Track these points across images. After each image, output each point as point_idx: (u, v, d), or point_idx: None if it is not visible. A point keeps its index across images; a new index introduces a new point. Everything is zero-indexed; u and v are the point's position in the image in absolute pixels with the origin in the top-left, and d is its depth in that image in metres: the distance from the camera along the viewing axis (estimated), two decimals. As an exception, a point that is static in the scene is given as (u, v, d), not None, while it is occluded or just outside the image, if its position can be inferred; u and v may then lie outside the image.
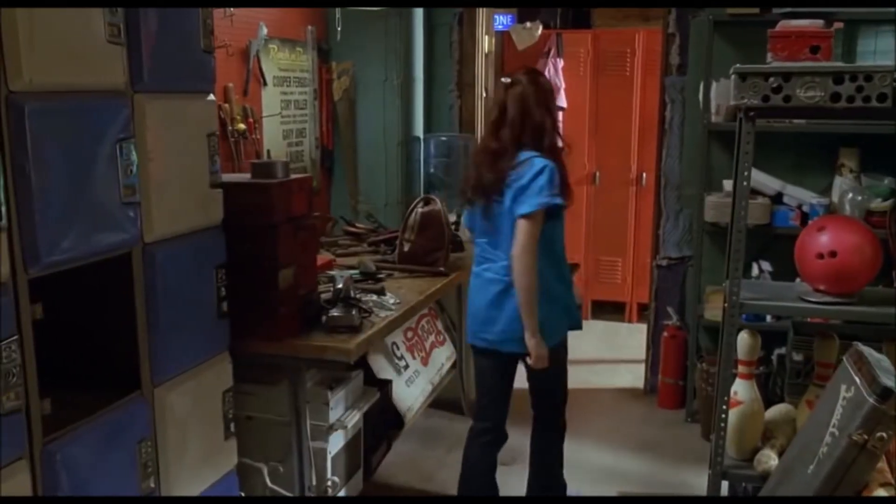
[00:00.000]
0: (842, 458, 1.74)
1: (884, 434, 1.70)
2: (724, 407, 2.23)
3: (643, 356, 4.51)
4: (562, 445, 2.94)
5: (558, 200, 2.52)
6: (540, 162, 2.53)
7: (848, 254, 2.10)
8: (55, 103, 1.59)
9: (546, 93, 2.66)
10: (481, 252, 2.71)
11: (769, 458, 2.19)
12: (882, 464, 1.81)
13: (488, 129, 2.68)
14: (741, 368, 2.27)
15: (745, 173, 2.08)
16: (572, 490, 3.24)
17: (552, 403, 2.87)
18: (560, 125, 2.81)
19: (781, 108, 1.98)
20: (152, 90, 1.87)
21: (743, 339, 2.25)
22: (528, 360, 2.60)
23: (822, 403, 1.99)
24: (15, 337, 1.52)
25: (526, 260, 2.47)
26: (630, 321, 5.86)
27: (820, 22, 2.68)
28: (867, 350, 1.88)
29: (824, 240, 2.12)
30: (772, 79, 1.98)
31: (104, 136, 1.72)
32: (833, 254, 2.10)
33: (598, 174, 5.67)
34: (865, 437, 1.70)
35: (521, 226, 2.47)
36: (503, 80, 2.72)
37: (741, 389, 2.26)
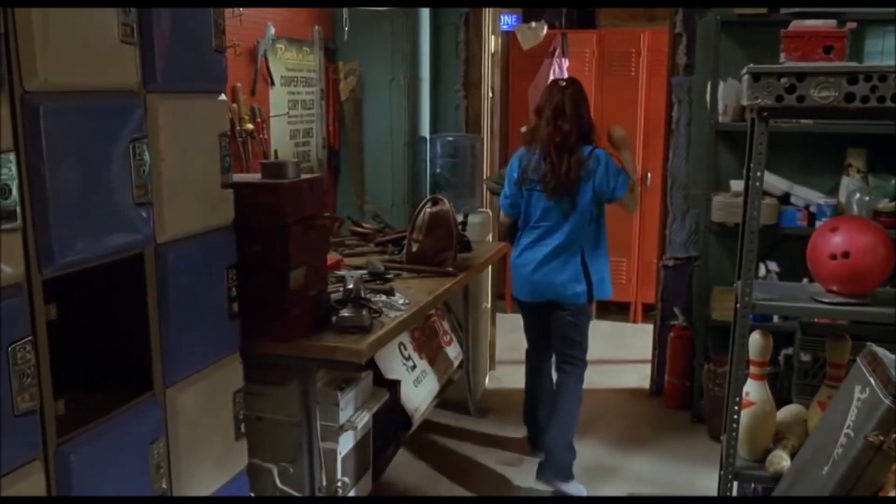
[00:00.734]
0: (857, 460, 1.73)
1: (900, 435, 1.69)
2: (736, 408, 2.22)
3: (649, 357, 4.50)
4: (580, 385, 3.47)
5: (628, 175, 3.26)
6: (601, 153, 3.23)
7: (861, 254, 2.09)
8: (69, 103, 1.59)
9: (586, 95, 3.30)
10: (540, 233, 3.31)
11: (781, 459, 2.18)
12: (897, 465, 1.80)
13: (545, 123, 3.22)
14: (753, 369, 2.26)
15: (758, 173, 2.07)
16: (578, 489, 3.27)
17: (580, 350, 3.43)
18: None
19: (795, 108, 1.97)
20: (165, 90, 1.86)
21: (755, 339, 2.24)
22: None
23: (836, 404, 1.98)
24: (29, 338, 1.52)
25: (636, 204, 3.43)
26: (635, 321, 5.86)
27: (833, 22, 2.68)
28: (881, 351, 1.87)
29: (837, 240, 2.12)
30: (785, 79, 1.97)
31: (118, 136, 1.71)
32: (846, 254, 2.09)
33: (603, 174, 5.65)
34: (881, 438, 1.69)
35: (626, 200, 3.28)
36: (560, 82, 3.34)
37: (753, 390, 2.25)
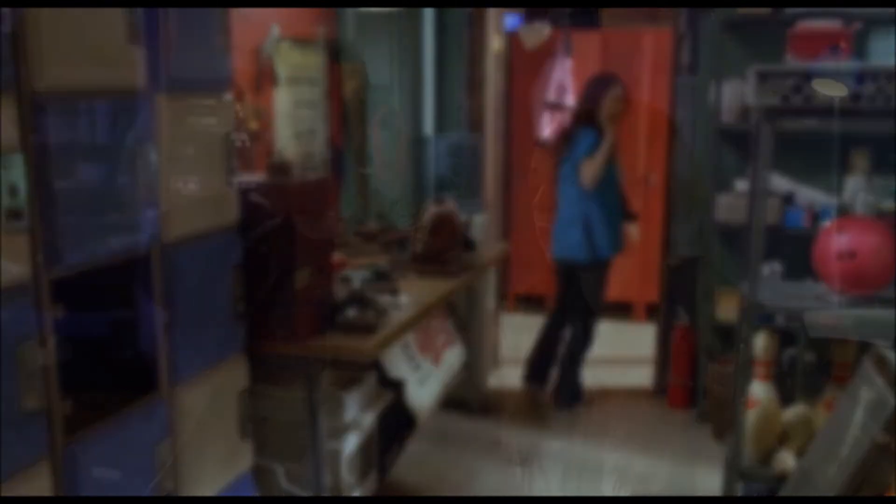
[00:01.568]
0: (864, 460, 1.73)
1: (907, 436, 1.69)
2: (742, 408, 2.22)
3: (651, 356, 4.50)
4: (585, 352, 4.17)
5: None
6: (589, 132, 3.75)
7: (867, 255, 2.09)
8: (77, 103, 1.59)
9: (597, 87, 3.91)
10: (557, 195, 4.03)
11: (787, 459, 2.18)
12: (904, 465, 1.80)
13: None
14: (759, 369, 2.26)
15: (764, 174, 2.07)
16: (583, 490, 3.28)
17: (587, 312, 4.06)
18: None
19: (802, 108, 1.97)
20: (171, 90, 1.86)
21: (761, 339, 2.24)
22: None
23: (842, 405, 1.98)
24: (37, 338, 1.52)
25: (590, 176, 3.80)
26: (638, 321, 5.84)
27: (838, 22, 2.67)
28: (888, 352, 1.87)
29: (844, 240, 2.12)
30: (792, 79, 1.97)
31: (124, 136, 1.72)
32: (852, 255, 2.09)
33: (606, 174, 5.65)
34: (889, 438, 1.69)
35: (584, 166, 3.76)
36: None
37: (759, 390, 2.25)
